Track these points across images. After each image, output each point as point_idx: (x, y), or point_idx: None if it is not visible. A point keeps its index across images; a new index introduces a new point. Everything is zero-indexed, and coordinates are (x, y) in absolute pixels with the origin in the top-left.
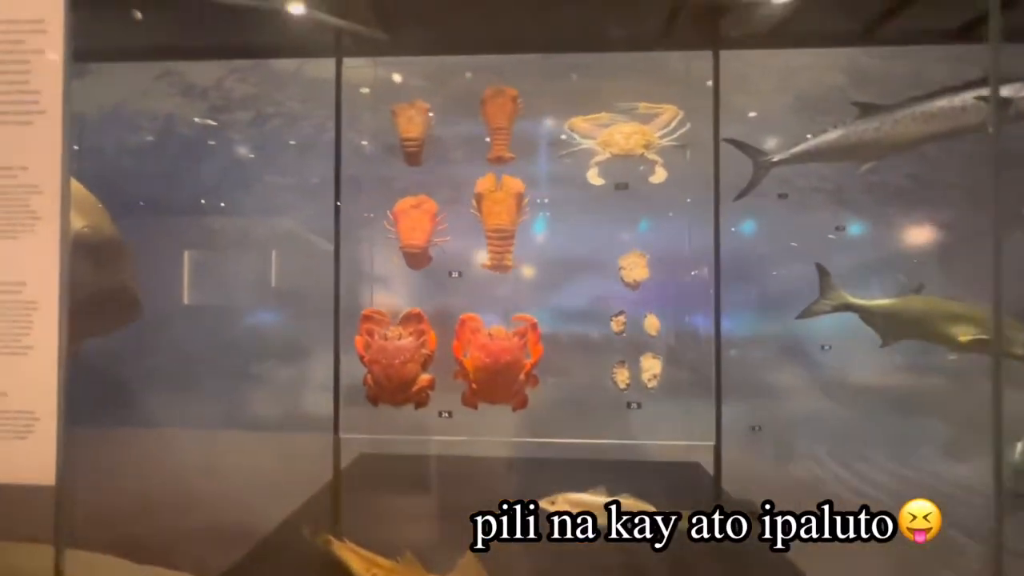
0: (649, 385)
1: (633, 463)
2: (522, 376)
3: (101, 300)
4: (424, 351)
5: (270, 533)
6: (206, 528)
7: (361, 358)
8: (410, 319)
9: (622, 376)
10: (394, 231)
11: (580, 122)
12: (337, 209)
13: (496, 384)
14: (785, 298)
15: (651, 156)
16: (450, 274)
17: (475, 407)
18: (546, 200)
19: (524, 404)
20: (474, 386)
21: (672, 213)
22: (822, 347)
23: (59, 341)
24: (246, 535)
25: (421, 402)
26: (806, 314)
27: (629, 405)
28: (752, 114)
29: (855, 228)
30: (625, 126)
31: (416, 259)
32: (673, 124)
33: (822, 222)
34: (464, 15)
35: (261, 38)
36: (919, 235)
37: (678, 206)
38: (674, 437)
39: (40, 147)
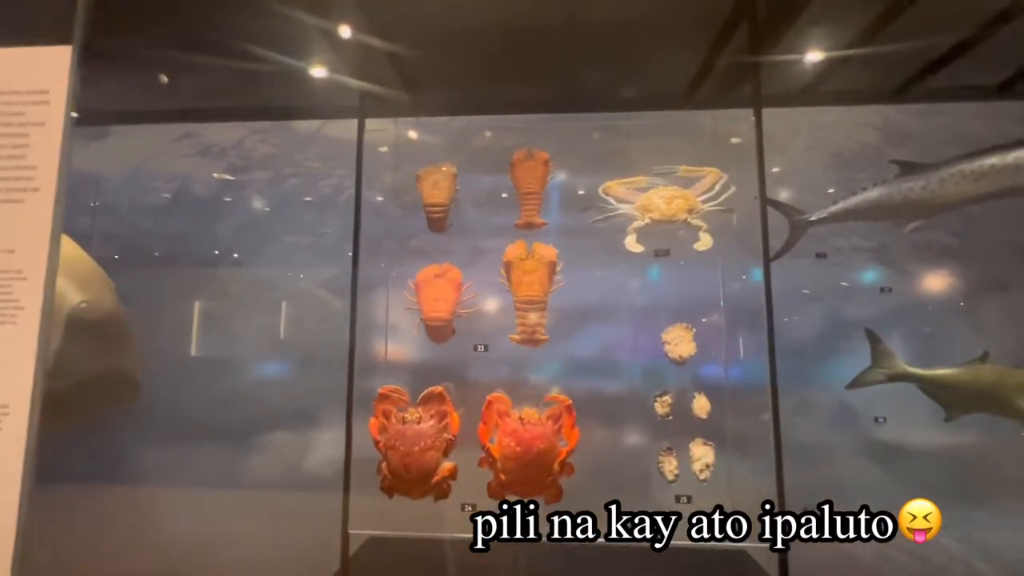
0: (701, 477)
1: (676, 551)
2: (556, 466)
3: (96, 385)
4: (446, 435)
5: None
6: None
7: (376, 443)
8: (431, 399)
9: (670, 466)
10: (415, 301)
11: (616, 186)
12: (354, 279)
13: (528, 475)
14: (822, 359)
15: (695, 222)
16: (475, 348)
17: (502, 499)
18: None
19: (559, 497)
20: (502, 476)
21: (697, 267)
22: (876, 419)
23: (24, 458)
24: None
25: (441, 494)
26: (857, 384)
27: (678, 499)
28: (776, 169)
29: (897, 289)
30: (665, 190)
31: (439, 332)
32: (717, 188)
33: (865, 283)
34: (486, 74)
35: (284, 100)
36: (972, 298)
37: (705, 262)
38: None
39: (30, 227)
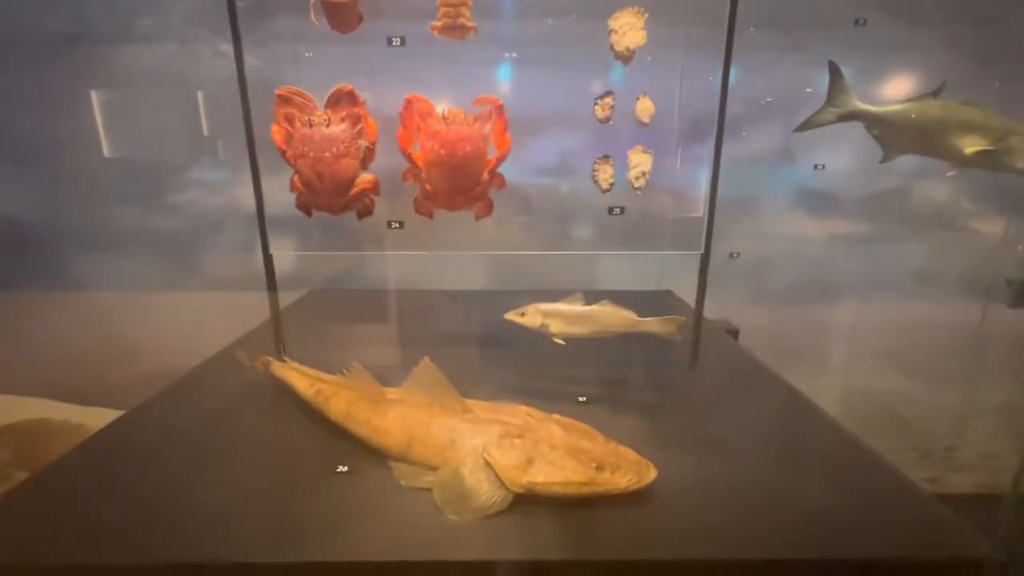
0: (636, 184)
1: (604, 293)
2: (485, 174)
3: None
4: (362, 142)
5: (205, 361)
6: (149, 374)
7: (282, 153)
8: (340, 99)
9: (605, 174)
10: None
11: None
12: None
13: (454, 183)
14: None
15: None
16: (390, 41)
17: (430, 215)
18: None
19: (489, 211)
20: (427, 187)
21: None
22: (815, 167)
23: None
24: None
25: (364, 210)
26: (808, 125)
27: (611, 211)
28: None
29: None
30: None
31: (341, 15)
32: None
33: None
34: None
35: None
36: (942, 29)
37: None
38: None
39: None
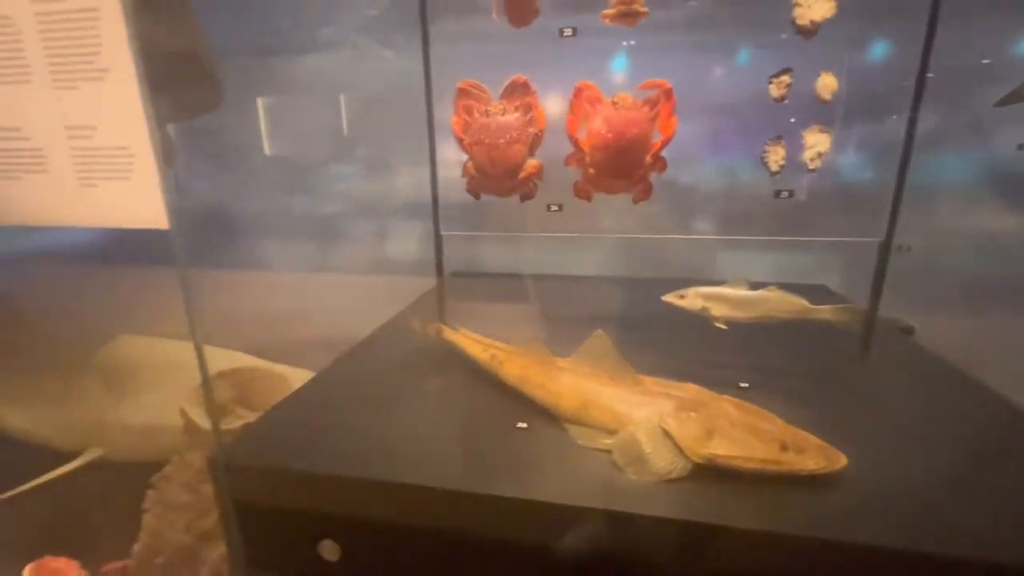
0: (811, 166)
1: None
2: (648, 158)
3: (173, 68)
4: (532, 129)
5: (376, 330)
6: (316, 339)
7: (460, 141)
8: (515, 90)
9: (775, 156)
10: None
11: None
12: None
13: (618, 165)
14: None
15: None
16: (561, 32)
17: (589, 198)
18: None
19: (647, 194)
20: (591, 171)
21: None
22: (1020, 147)
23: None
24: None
25: (528, 193)
26: (1015, 97)
27: (778, 195)
28: None
29: None
30: None
31: (519, 9)
32: None
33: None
34: None
35: None
36: None
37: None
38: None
39: None
